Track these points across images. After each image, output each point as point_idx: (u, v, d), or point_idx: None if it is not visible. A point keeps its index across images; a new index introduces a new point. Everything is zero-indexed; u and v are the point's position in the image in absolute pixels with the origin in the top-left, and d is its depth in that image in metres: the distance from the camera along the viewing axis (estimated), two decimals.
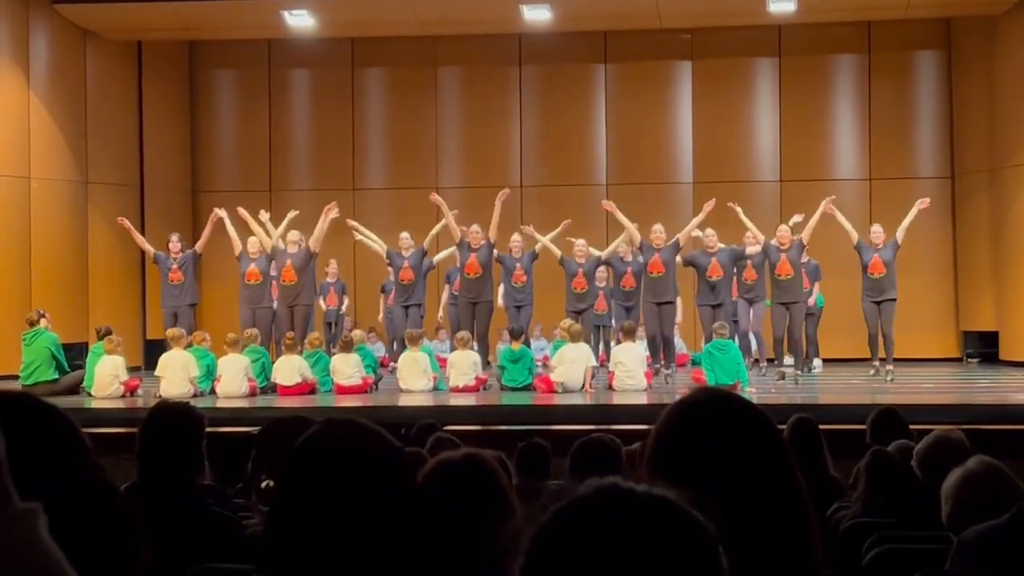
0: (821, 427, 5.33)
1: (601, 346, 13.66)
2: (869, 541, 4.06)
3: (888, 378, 12.53)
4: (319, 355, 12.47)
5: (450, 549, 2.05)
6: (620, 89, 17.37)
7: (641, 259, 12.95)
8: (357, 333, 13.36)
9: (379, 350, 15.15)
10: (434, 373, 12.40)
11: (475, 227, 13.00)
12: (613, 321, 13.50)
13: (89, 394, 12.03)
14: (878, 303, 12.57)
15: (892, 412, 5.96)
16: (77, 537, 1.41)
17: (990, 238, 15.91)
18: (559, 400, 11.35)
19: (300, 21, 15.76)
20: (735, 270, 13.07)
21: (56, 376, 12.45)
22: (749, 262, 13.01)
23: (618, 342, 12.35)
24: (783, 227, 12.89)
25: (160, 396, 11.19)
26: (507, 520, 1.19)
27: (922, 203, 12.66)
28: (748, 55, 17.20)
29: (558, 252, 13.27)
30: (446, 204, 13.23)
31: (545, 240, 13.29)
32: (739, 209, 12.95)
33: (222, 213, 13.24)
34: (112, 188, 16.28)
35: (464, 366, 12.13)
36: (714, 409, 1.70)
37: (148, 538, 1.92)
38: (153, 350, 14.38)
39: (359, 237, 13.87)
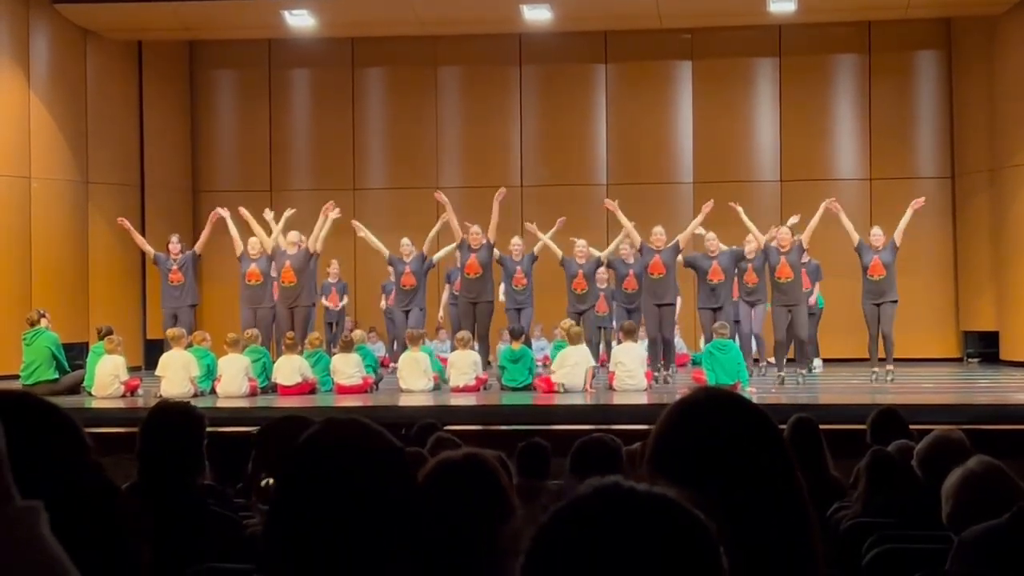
0: (821, 427, 5.33)
1: (602, 346, 13.67)
2: (869, 541, 4.06)
3: (888, 378, 12.53)
4: (319, 355, 12.47)
5: (450, 549, 2.05)
6: (620, 89, 17.37)
7: (643, 261, 12.95)
8: (358, 333, 13.37)
9: (379, 350, 15.16)
10: (435, 373, 12.41)
11: (475, 228, 13.00)
12: (614, 323, 13.50)
13: (89, 394, 12.03)
14: (878, 305, 12.57)
15: (892, 412, 5.96)
16: (77, 536, 1.41)
17: (990, 238, 15.91)
18: (559, 400, 11.35)
19: (300, 21, 15.76)
20: (736, 271, 13.07)
21: (56, 376, 12.45)
22: (750, 265, 13.00)
23: (619, 342, 12.35)
24: (783, 229, 12.87)
25: (161, 396, 11.19)
26: (507, 520, 1.19)
27: (916, 203, 12.64)
28: (748, 55, 17.20)
29: (559, 252, 13.27)
30: (451, 204, 13.14)
31: (545, 238, 13.29)
32: (740, 209, 12.94)
33: (224, 213, 13.22)
34: (112, 188, 16.29)
35: (464, 366, 12.14)
36: (714, 409, 1.70)
37: (148, 538, 1.92)
38: (153, 350, 14.39)
39: (361, 234, 13.85)
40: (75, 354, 13.69)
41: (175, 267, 13.32)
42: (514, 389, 12.06)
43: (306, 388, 11.98)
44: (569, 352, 12.00)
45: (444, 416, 8.86)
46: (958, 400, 11.35)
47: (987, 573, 3.12)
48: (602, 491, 1.10)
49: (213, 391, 11.85)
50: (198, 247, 13.46)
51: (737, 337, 12.55)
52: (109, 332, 12.47)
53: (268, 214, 13.49)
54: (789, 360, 13.16)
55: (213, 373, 11.99)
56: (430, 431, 5.96)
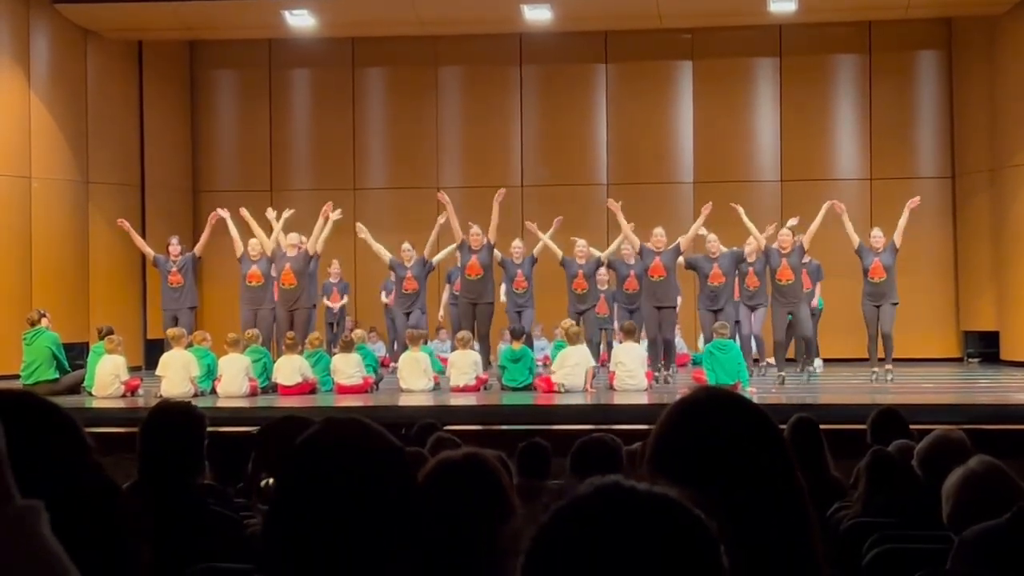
0: (821, 427, 5.32)
1: (603, 346, 13.67)
2: (869, 541, 4.06)
3: (888, 378, 12.53)
4: (320, 355, 12.48)
5: (451, 549, 2.05)
6: (620, 89, 17.37)
7: (643, 263, 12.94)
8: (358, 333, 13.37)
9: (380, 350, 15.16)
10: (435, 373, 12.41)
11: (475, 229, 13.00)
12: (615, 323, 13.50)
13: (90, 394, 12.04)
14: (878, 307, 12.56)
15: (892, 412, 5.96)
16: (78, 536, 1.41)
17: (990, 238, 15.91)
18: (559, 400, 11.35)
19: (300, 21, 15.76)
20: (736, 273, 13.06)
21: (57, 376, 12.46)
22: (751, 268, 13.00)
23: (619, 342, 12.35)
24: (783, 230, 12.87)
25: (161, 396, 11.19)
26: (508, 520, 1.19)
27: (912, 203, 12.63)
28: (748, 55, 17.20)
29: (559, 252, 13.26)
30: (452, 205, 13.10)
31: (545, 238, 13.29)
32: (741, 210, 12.94)
33: (224, 213, 13.21)
34: (113, 188, 16.29)
35: (464, 366, 12.14)
36: (715, 408, 1.70)
37: (148, 538, 1.92)
38: (154, 350, 14.39)
39: (363, 236, 13.85)
40: (75, 354, 13.69)
41: (175, 269, 13.32)
42: (514, 389, 12.06)
43: (306, 388, 11.98)
44: (569, 352, 12.00)
45: (444, 416, 8.86)
46: (958, 400, 11.36)
47: (987, 573, 3.12)
48: (602, 491, 1.10)
49: (213, 391, 11.86)
50: (198, 249, 13.45)
51: (737, 338, 12.55)
52: (109, 332, 12.47)
53: (270, 213, 13.50)
54: (789, 360, 13.17)
55: (213, 373, 11.99)
56: (430, 431, 5.96)
